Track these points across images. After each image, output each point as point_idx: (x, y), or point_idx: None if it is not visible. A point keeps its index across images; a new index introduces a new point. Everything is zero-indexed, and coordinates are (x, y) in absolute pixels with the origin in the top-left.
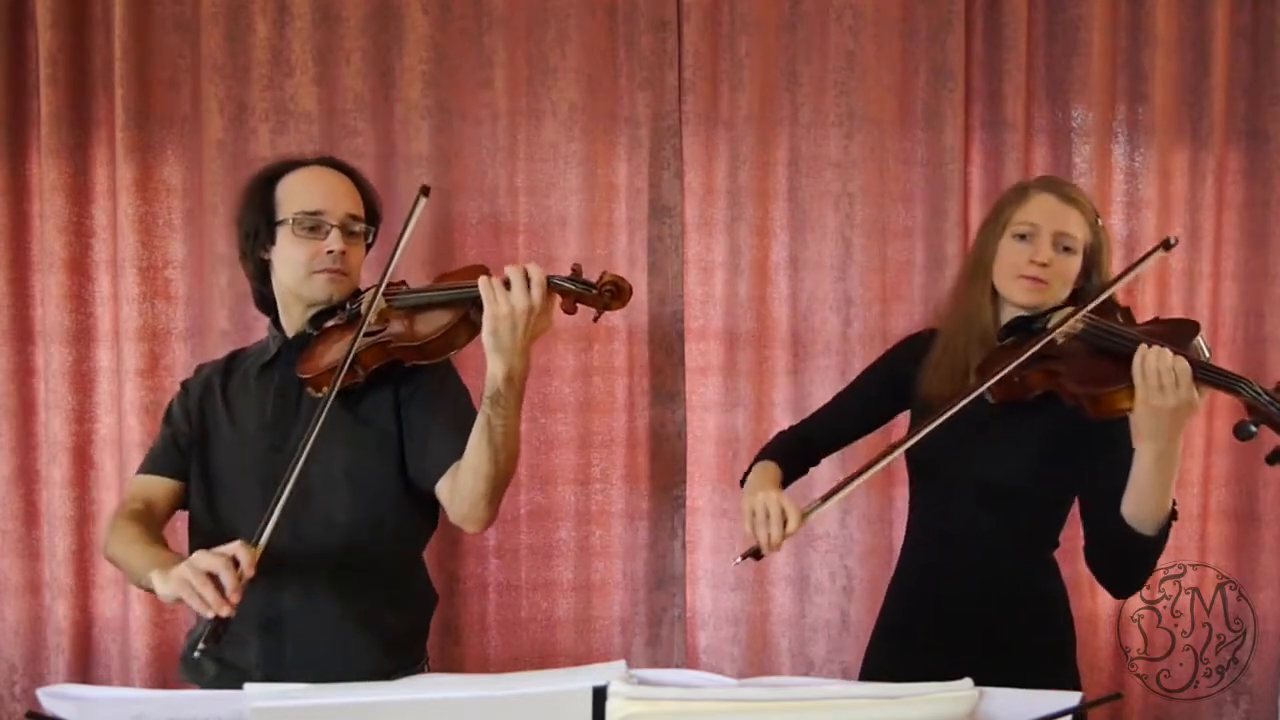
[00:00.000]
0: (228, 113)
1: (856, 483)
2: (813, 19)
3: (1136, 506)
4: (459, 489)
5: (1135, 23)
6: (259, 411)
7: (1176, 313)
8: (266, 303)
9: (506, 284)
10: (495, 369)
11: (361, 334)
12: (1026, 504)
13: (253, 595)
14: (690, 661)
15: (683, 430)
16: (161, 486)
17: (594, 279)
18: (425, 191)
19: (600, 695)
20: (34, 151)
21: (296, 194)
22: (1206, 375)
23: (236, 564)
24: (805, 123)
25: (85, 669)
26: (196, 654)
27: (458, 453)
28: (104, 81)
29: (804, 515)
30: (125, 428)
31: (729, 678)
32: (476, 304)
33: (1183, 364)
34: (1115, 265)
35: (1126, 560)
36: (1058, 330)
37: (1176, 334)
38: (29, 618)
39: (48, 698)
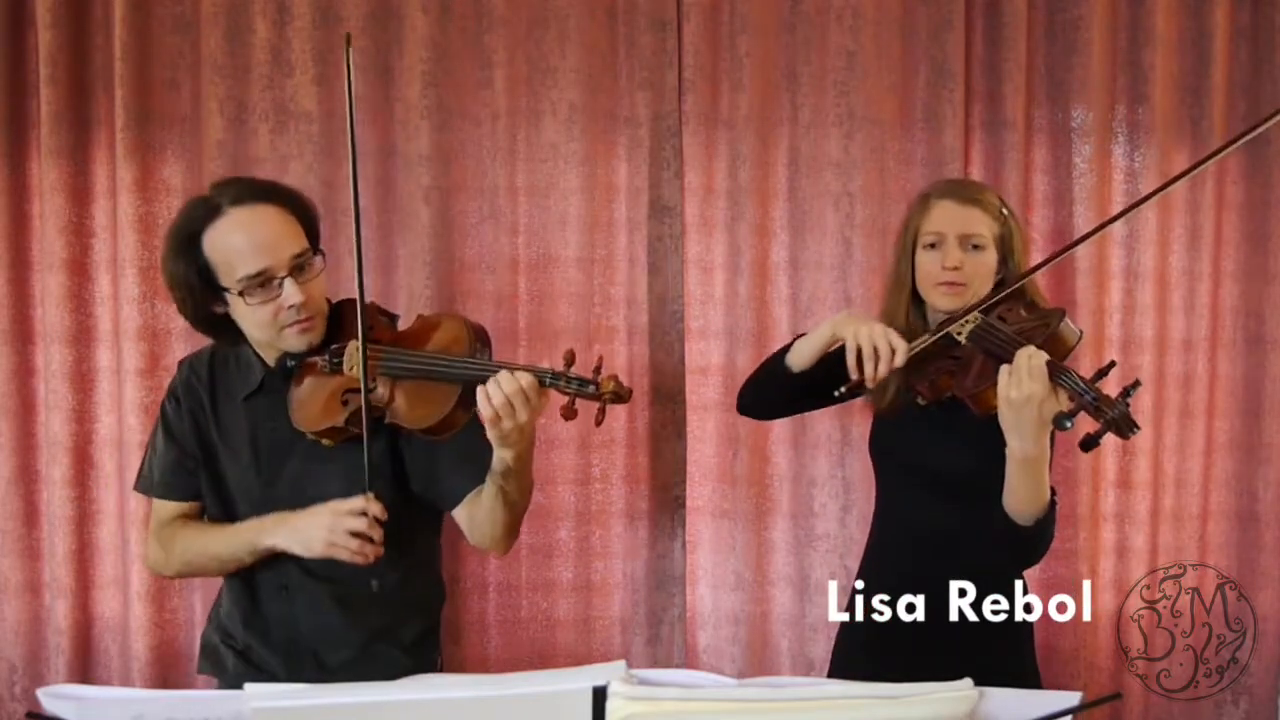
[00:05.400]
0: (228, 113)
1: (950, 326)
2: (813, 19)
3: (1009, 499)
4: (478, 529)
5: (1135, 23)
6: (250, 444)
7: (1178, 313)
8: (234, 342)
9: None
10: (504, 455)
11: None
12: (978, 494)
13: (266, 618)
14: (690, 661)
15: (683, 430)
16: (185, 508)
17: (589, 376)
18: (349, 40)
19: (600, 695)
20: (34, 151)
21: (231, 258)
22: (1052, 370)
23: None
24: (805, 123)
25: (85, 669)
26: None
27: (474, 479)
28: (104, 81)
29: (910, 350)
30: (125, 428)
31: (729, 678)
32: (469, 383)
33: (1039, 357)
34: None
35: (1008, 548)
36: (950, 327)
37: (1044, 324)
38: (29, 618)
39: (48, 698)
